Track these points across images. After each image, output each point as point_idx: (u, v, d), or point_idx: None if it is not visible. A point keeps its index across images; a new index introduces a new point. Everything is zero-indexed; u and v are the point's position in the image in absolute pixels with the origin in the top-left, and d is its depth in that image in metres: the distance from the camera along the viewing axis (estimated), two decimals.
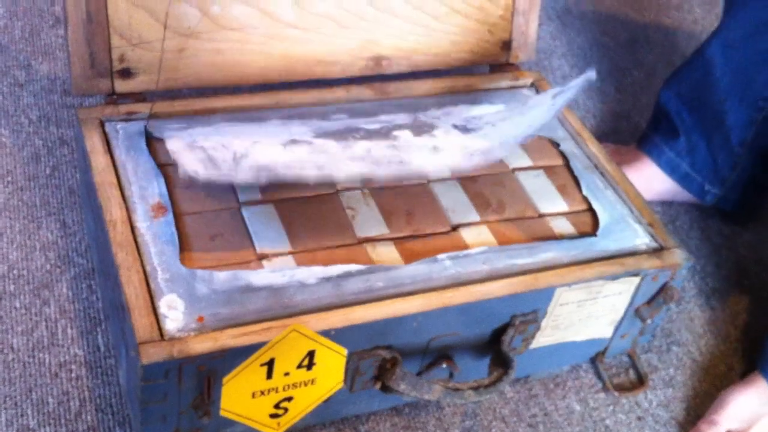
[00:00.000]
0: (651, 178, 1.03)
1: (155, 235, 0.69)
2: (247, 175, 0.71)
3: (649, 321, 0.82)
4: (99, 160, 0.74)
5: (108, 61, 0.79)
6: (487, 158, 0.79)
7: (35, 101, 0.96)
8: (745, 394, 0.85)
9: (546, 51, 1.24)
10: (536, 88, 0.95)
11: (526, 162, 0.86)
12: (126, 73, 0.80)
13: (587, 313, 0.78)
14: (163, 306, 0.64)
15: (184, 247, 0.69)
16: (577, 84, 0.80)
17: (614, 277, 0.75)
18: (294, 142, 0.78)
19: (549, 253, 0.76)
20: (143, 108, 0.79)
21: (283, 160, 0.74)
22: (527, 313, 0.74)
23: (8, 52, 1.01)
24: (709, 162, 1.02)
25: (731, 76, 0.98)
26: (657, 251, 0.79)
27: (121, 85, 0.80)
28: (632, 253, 0.78)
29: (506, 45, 0.95)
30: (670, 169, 1.03)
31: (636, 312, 0.81)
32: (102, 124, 0.77)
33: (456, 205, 0.79)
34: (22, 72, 0.99)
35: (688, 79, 1.02)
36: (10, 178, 0.89)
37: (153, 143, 0.77)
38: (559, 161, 0.87)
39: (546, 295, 0.74)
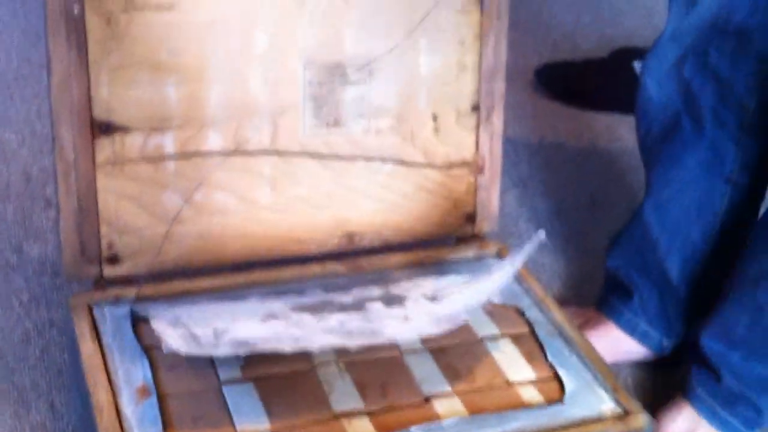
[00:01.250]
0: (615, 341, 1.08)
1: (140, 419, 0.72)
2: (227, 349, 0.75)
3: None
4: (87, 345, 0.77)
5: (97, 248, 0.84)
6: (454, 323, 0.84)
7: (26, 284, 1.00)
8: (673, 420, 0.94)
9: (513, 216, 1.31)
10: (500, 257, 1.00)
11: (494, 331, 0.90)
12: (114, 259, 0.85)
13: None
14: None
15: (168, 430, 0.72)
16: (529, 247, 0.86)
17: None
18: (271, 316, 0.83)
19: (518, 423, 0.79)
20: (130, 291, 0.84)
21: (260, 334, 0.78)
22: None
23: (0, 235, 1.06)
24: (662, 317, 1.08)
25: (667, 235, 1.05)
26: (622, 417, 0.82)
27: (109, 271, 0.85)
28: (598, 420, 0.81)
29: (470, 218, 1.02)
30: (630, 329, 1.08)
31: None
32: (90, 310, 0.82)
33: (428, 376, 0.83)
34: (14, 255, 1.04)
35: (630, 241, 1.09)
36: (1, 361, 0.92)
37: (139, 325, 0.81)
38: (525, 329, 0.92)
39: None
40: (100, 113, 0.82)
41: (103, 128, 0.82)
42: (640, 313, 1.08)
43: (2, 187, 1.12)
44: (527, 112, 1.65)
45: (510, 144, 1.46)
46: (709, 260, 1.06)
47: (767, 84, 0.97)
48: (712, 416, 0.99)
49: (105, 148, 0.83)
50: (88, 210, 0.82)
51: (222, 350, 0.75)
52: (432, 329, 0.83)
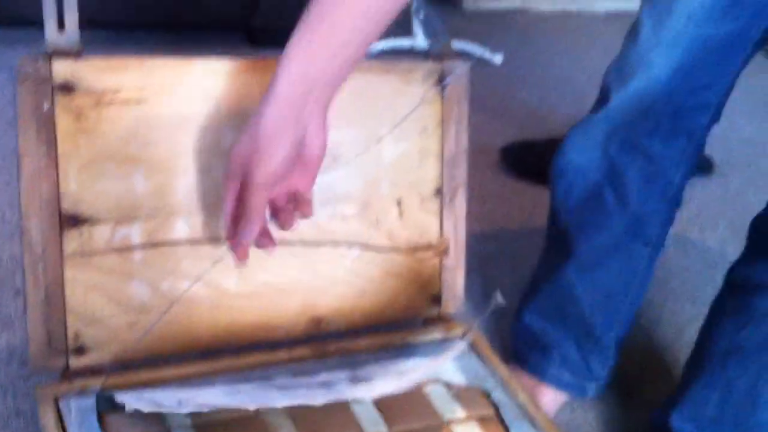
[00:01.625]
0: (550, 400, 1.15)
1: None
2: (190, 409, 0.81)
3: None
4: None
5: (64, 339, 0.84)
6: (413, 378, 0.91)
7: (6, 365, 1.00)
8: None
9: (478, 296, 1.33)
10: (468, 338, 1.02)
11: (460, 413, 0.91)
12: (80, 350, 0.85)
13: None
14: None
15: None
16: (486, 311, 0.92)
17: None
18: (236, 391, 0.84)
19: None
20: (96, 381, 0.84)
21: (224, 400, 0.81)
22: None
23: None
24: (583, 366, 1.14)
25: (592, 294, 1.11)
26: None
27: (76, 362, 0.85)
28: None
29: (436, 300, 1.03)
30: (557, 383, 1.14)
31: None
32: (57, 401, 0.82)
33: None
34: None
35: (548, 299, 1.14)
36: None
37: (105, 417, 0.81)
38: (491, 411, 0.93)
39: None
40: (68, 206, 0.83)
41: (72, 221, 0.84)
42: (562, 366, 1.14)
43: None
44: (492, 191, 1.69)
45: (477, 223, 1.50)
46: (634, 312, 1.14)
47: (692, 156, 1.02)
48: None
49: (73, 239, 0.84)
50: (55, 301, 0.83)
51: (185, 410, 0.80)
52: (393, 385, 0.89)
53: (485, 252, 1.45)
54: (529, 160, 1.76)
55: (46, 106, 0.82)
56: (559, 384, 1.15)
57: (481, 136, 1.90)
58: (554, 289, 1.14)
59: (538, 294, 1.17)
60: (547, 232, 1.18)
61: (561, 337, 1.15)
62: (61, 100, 0.83)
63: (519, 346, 1.18)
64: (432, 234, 1.04)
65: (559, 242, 1.14)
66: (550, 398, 1.16)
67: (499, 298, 0.91)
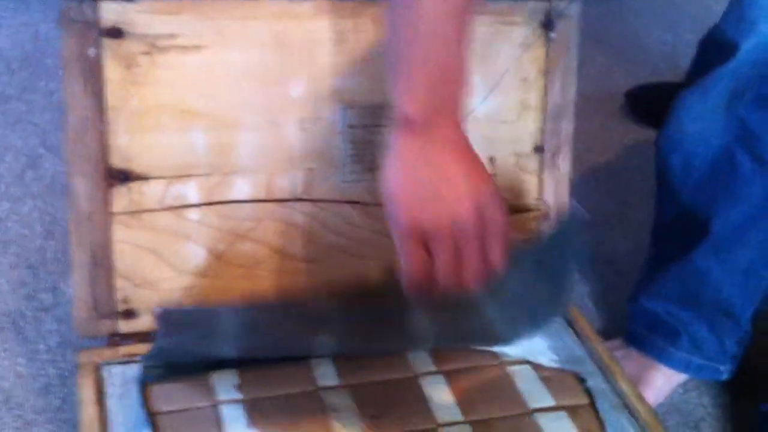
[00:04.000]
0: (665, 383, 1.03)
1: None
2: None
3: None
4: (88, 411, 0.72)
5: (112, 303, 0.79)
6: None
7: (57, 327, 0.97)
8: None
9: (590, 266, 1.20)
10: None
11: (548, 401, 0.80)
12: (129, 314, 0.79)
13: None
14: None
15: None
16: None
17: None
18: None
19: None
20: (145, 349, 0.78)
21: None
22: None
23: (38, 275, 1.03)
24: (717, 348, 1.03)
25: (731, 274, 0.99)
26: None
27: (124, 326, 0.79)
28: None
29: None
30: (684, 367, 1.03)
31: None
32: (98, 369, 0.76)
33: None
34: (49, 295, 1.00)
35: (675, 283, 1.03)
36: (19, 412, 0.88)
37: (148, 388, 0.75)
38: (585, 400, 0.81)
39: None
40: (117, 161, 0.77)
41: (121, 177, 0.77)
42: (693, 349, 1.03)
43: (48, 224, 1.10)
44: (614, 140, 1.53)
45: (593, 179, 1.36)
46: None
47: None
48: None
49: (122, 197, 0.77)
50: (102, 262, 0.77)
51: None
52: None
53: (600, 213, 1.30)
54: (657, 105, 1.58)
55: (92, 52, 0.75)
56: (688, 368, 1.04)
57: (605, 80, 1.75)
58: (683, 273, 1.02)
59: (660, 278, 1.05)
60: (661, 216, 1.06)
61: (692, 320, 1.02)
62: (109, 46, 0.76)
63: (636, 329, 1.07)
64: (530, 196, 0.92)
65: (683, 224, 1.01)
66: (664, 381, 1.04)
67: (581, 210, 0.78)
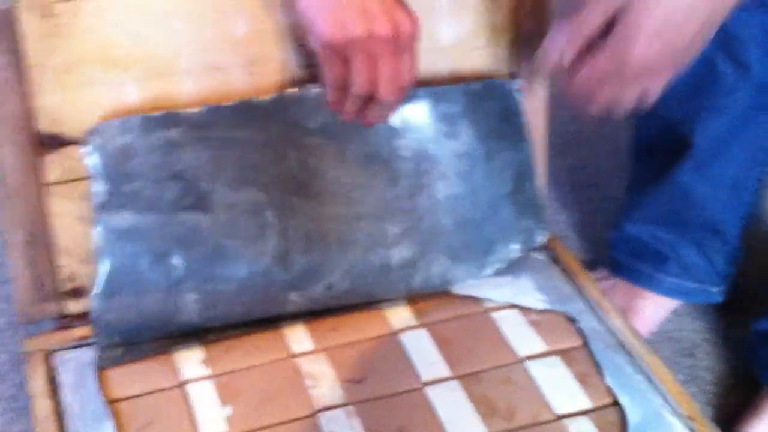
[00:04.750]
0: (655, 311, 0.99)
1: None
2: None
3: None
4: (41, 406, 0.65)
5: (56, 282, 0.71)
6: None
7: (6, 306, 0.89)
8: None
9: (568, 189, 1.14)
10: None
11: (539, 347, 0.75)
12: (77, 293, 0.72)
13: None
14: None
15: None
16: None
17: None
18: None
19: None
20: None
21: None
22: None
23: None
24: (708, 269, 0.99)
25: (716, 189, 0.96)
26: None
27: (73, 306, 0.72)
28: None
29: None
30: (675, 293, 1.00)
31: None
32: (48, 357, 0.69)
33: (457, 415, 0.68)
34: None
35: (658, 205, 0.99)
36: None
37: (106, 374, 0.69)
38: (578, 342, 0.76)
39: None
40: (46, 125, 0.69)
41: (51, 142, 0.69)
42: (682, 274, 0.99)
43: None
44: None
45: None
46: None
47: None
48: None
49: (55, 165, 0.69)
50: (40, 239, 0.70)
51: None
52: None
53: (581, 133, 1.24)
54: None
55: (3, 3, 0.67)
56: (679, 293, 1.00)
57: None
58: (666, 193, 0.98)
59: (642, 201, 1.01)
60: (641, 133, 1.01)
61: (678, 242, 0.98)
62: None
63: (620, 257, 1.02)
64: None
65: (665, 141, 0.96)
66: (654, 309, 1.00)
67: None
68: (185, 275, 0.69)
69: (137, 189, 0.69)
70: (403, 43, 0.65)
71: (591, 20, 0.63)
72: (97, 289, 0.68)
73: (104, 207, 0.68)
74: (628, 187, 1.04)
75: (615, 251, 1.04)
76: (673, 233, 0.98)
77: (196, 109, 0.71)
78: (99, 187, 0.68)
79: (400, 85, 0.66)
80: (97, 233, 0.68)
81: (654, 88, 0.65)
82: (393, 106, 0.68)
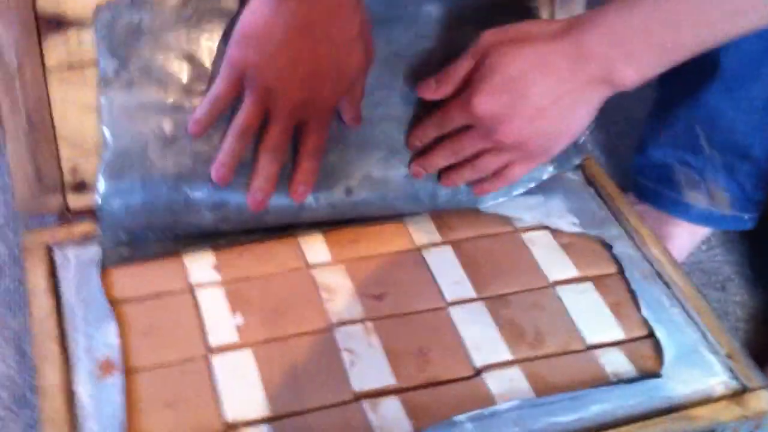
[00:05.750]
0: (685, 240, 0.94)
1: (98, 404, 0.55)
2: None
3: None
4: (40, 304, 0.61)
5: (58, 174, 0.66)
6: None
7: (3, 197, 0.85)
8: None
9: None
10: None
11: (571, 272, 0.70)
12: (80, 187, 0.67)
13: None
14: None
15: (131, 419, 0.55)
16: None
17: None
18: None
19: (598, 405, 0.60)
20: None
21: None
22: None
23: None
24: (737, 194, 0.94)
25: (747, 112, 0.90)
26: (738, 394, 0.62)
27: (76, 201, 0.67)
28: (706, 400, 0.61)
29: None
30: (705, 220, 0.94)
31: None
32: (50, 252, 0.65)
33: (482, 338, 0.64)
34: None
35: (686, 128, 0.93)
36: None
37: (110, 274, 0.64)
38: (613, 269, 0.71)
39: None
40: (46, 4, 0.62)
41: (53, 24, 0.63)
42: (712, 200, 0.94)
43: None
44: None
45: None
46: None
47: None
48: None
49: (56, 48, 0.63)
50: (41, 127, 0.64)
51: None
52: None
53: None
54: None
55: None
56: (709, 221, 0.95)
57: None
58: (693, 116, 0.92)
59: (668, 125, 0.95)
60: None
61: (707, 168, 0.93)
62: None
63: (647, 183, 0.97)
64: None
65: (692, 61, 0.89)
66: (685, 238, 0.95)
67: None
68: (194, 168, 0.64)
69: (146, 67, 0.63)
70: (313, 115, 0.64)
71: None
72: (101, 171, 0.63)
73: (110, 83, 0.63)
74: (654, 110, 0.98)
75: (641, 176, 0.98)
76: (701, 158, 0.93)
77: None
78: (106, 64, 0.63)
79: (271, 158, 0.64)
80: (102, 109, 0.63)
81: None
82: None
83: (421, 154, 0.70)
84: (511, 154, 0.67)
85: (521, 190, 0.75)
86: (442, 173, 0.71)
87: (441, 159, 0.69)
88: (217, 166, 0.63)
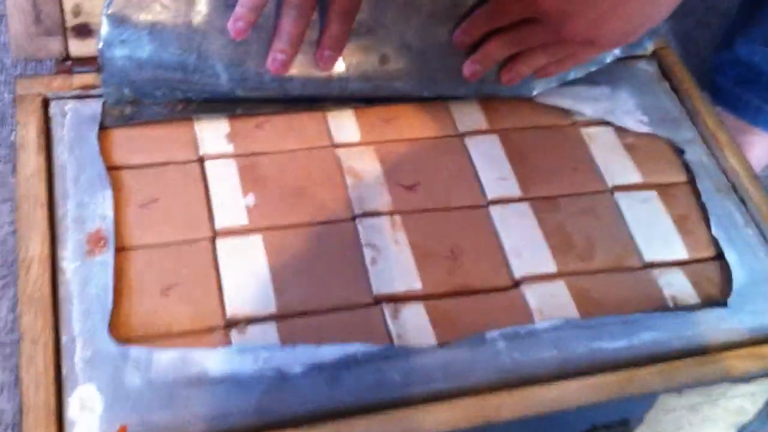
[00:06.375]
0: (762, 152, 0.87)
1: (85, 283, 0.49)
2: None
3: None
4: (29, 160, 0.54)
5: (59, 14, 0.58)
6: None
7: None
8: None
9: None
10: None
11: (633, 177, 0.61)
12: (83, 31, 0.59)
13: (702, 417, 0.55)
14: (73, 404, 0.45)
15: (120, 304, 0.49)
16: None
17: (746, 379, 0.52)
18: None
19: (651, 333, 0.52)
20: None
21: None
22: (613, 423, 0.52)
23: None
24: None
25: None
26: None
27: (77, 48, 0.59)
28: None
29: None
30: None
31: None
32: (46, 104, 0.57)
33: (524, 244, 0.56)
34: None
35: None
36: None
37: (110, 134, 0.56)
38: (682, 177, 0.62)
39: (643, 401, 0.51)
40: None
41: None
42: None
43: None
44: None
45: None
46: None
47: None
48: None
49: None
50: None
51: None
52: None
53: None
54: None
55: None
56: None
57: None
58: None
59: (759, 18, 0.84)
60: None
61: None
62: None
63: (727, 84, 0.87)
64: None
65: None
66: (762, 149, 0.85)
67: None
68: (210, 17, 0.55)
69: None
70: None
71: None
72: (105, 12, 0.54)
73: None
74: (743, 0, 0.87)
75: (721, 76, 0.88)
76: None
77: None
78: None
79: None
80: None
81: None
82: None
83: (472, 52, 0.60)
84: (582, 44, 0.57)
85: (580, 74, 0.65)
86: (503, 68, 0.61)
87: (500, 49, 0.59)
88: (234, 19, 0.54)
